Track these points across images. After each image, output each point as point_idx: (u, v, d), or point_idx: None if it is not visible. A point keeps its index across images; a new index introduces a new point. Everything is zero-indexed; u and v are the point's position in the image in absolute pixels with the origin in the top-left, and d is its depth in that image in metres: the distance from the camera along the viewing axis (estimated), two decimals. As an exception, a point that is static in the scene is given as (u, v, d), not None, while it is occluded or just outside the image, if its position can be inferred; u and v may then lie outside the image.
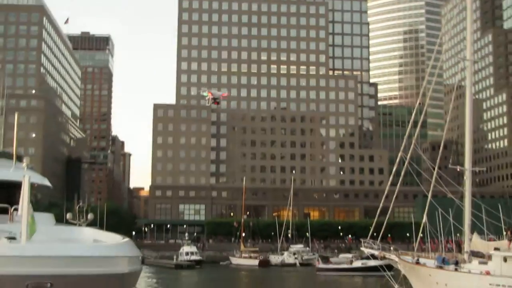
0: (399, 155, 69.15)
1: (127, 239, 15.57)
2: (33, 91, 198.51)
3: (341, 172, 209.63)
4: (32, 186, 19.26)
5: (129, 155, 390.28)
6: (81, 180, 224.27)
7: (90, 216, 61.97)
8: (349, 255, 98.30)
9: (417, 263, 62.04)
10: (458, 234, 70.27)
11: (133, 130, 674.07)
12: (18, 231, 14.10)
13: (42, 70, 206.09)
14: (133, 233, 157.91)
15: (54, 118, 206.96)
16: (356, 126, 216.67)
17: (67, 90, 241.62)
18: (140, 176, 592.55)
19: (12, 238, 14.16)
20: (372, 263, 68.92)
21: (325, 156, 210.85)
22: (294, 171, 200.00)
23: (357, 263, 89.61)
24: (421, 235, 71.03)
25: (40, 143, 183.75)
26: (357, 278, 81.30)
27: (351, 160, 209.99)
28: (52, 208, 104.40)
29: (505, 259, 51.33)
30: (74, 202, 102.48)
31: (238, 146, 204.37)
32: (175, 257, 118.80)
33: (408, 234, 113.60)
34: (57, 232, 18.87)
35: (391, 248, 73.51)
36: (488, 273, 51.42)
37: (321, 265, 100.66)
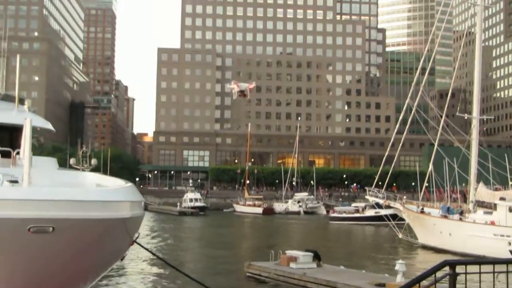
0: (406, 102, 69.13)
1: (130, 184, 15.67)
2: (36, 34, 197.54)
3: (347, 120, 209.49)
4: (35, 129, 19.31)
5: (133, 100, 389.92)
6: (84, 125, 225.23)
7: (94, 161, 62.47)
8: (362, 204, 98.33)
9: (422, 212, 62.61)
10: (463, 184, 70.51)
11: (137, 75, 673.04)
12: (21, 175, 14.16)
13: (45, 12, 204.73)
14: (137, 179, 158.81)
15: (57, 61, 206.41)
16: (363, 73, 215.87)
17: (70, 33, 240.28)
18: (144, 121, 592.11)
19: (14, 182, 14.23)
20: (384, 212, 69.23)
21: (331, 103, 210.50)
22: (299, 118, 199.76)
23: (370, 212, 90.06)
24: (427, 184, 71.28)
25: (43, 87, 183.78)
26: (369, 227, 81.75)
27: (357, 107, 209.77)
28: (55, 152, 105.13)
29: (510, 209, 51.62)
30: (78, 147, 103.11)
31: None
32: (178, 203, 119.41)
33: (413, 183, 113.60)
34: (59, 176, 18.96)
35: (396, 197, 74.06)
36: (493, 223, 51.83)
37: (334, 214, 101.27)
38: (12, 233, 12.30)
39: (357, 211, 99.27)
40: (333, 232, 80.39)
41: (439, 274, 8.11)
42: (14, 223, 12.10)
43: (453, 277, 7.85)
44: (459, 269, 8.21)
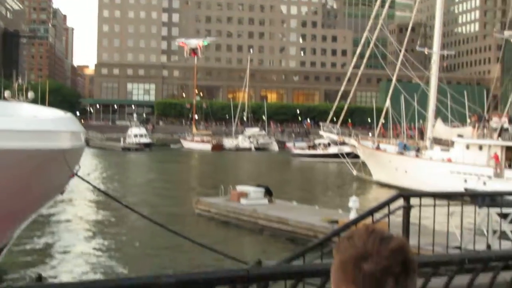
0: (365, 35, 69.25)
1: (69, 114, 15.46)
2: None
3: (302, 53, 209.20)
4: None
5: (72, 29, 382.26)
6: (19, 56, 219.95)
7: (31, 94, 61.35)
8: (323, 140, 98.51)
9: (377, 148, 63.60)
10: (421, 120, 71.58)
11: (76, 3, 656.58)
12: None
13: None
14: (77, 113, 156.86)
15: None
16: (320, 4, 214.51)
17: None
18: (85, 53, 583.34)
19: None
20: (347, 149, 69.69)
21: (285, 35, 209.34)
22: (251, 50, 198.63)
23: (334, 149, 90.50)
24: (383, 121, 72.26)
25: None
26: (332, 165, 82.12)
27: (313, 40, 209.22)
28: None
29: (467, 146, 52.77)
30: (13, 79, 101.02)
31: (191, 21, 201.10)
32: (122, 139, 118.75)
33: (369, 120, 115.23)
34: (-6, 108, 18.50)
35: (351, 133, 74.83)
36: (449, 160, 52.95)
37: (297, 151, 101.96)
38: None
39: (311, 147, 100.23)
40: (288, 169, 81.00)
41: (392, 207, 8.27)
42: None
43: (407, 209, 8.00)
44: (414, 202, 8.37)
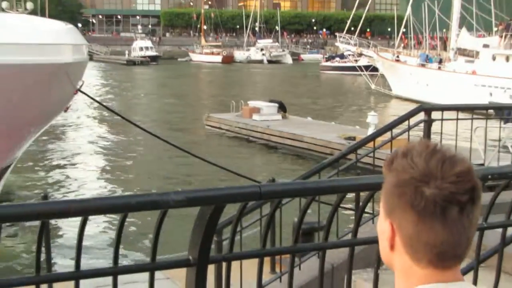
0: None
1: (70, 25, 15.35)
2: None
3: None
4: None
5: None
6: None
7: (30, 5, 60.71)
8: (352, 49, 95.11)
9: (397, 60, 63.09)
10: (444, 30, 70.71)
11: None
12: None
13: None
14: (79, 25, 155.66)
15: None
16: None
17: None
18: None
19: None
20: (364, 62, 68.82)
21: None
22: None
23: (363, 62, 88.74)
24: (404, 30, 71.43)
25: None
26: (351, 77, 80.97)
27: None
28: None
29: (494, 58, 52.23)
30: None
31: None
32: (127, 52, 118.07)
33: (389, 29, 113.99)
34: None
35: (370, 44, 74.19)
36: (474, 72, 52.46)
37: (326, 63, 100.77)
38: None
39: (328, 59, 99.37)
40: (302, 83, 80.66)
41: (413, 121, 8.29)
42: None
43: (428, 123, 8.01)
44: (435, 116, 8.38)
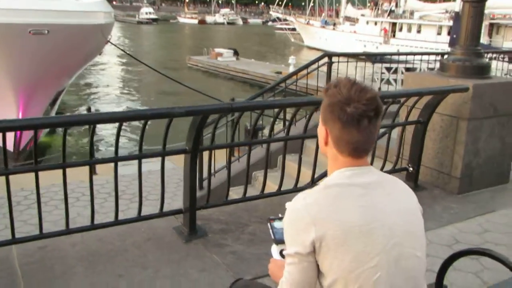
0: None
1: (101, -2, 14.73)
2: None
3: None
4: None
5: None
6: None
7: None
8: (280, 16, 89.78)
9: (308, 23, 62.43)
10: (337, 4, 69.88)
11: None
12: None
13: None
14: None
15: None
16: None
17: None
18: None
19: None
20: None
21: None
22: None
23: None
24: (312, 4, 70.30)
25: None
26: (279, 33, 77.77)
27: None
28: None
29: (367, 22, 52.18)
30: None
31: None
32: (137, 15, 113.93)
33: (303, 4, 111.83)
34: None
35: (291, 12, 73.09)
36: (355, 32, 52.42)
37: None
38: (17, 35, 11.56)
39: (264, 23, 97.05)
40: (249, 37, 79.15)
41: (320, 63, 8.25)
42: (18, 27, 11.32)
43: (330, 64, 8.00)
44: (334, 59, 8.32)
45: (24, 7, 11.51)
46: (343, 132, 1.56)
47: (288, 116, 7.26)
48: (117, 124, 3.26)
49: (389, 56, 11.66)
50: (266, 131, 9.06)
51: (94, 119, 3.31)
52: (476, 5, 4.93)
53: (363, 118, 1.53)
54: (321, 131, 1.65)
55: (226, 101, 10.58)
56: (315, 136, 4.49)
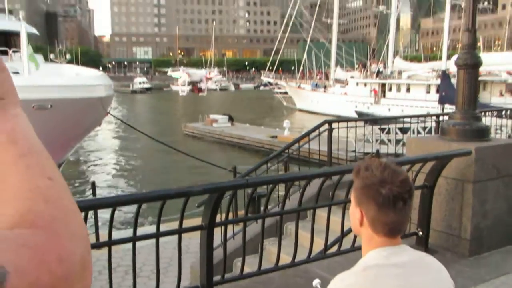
0: (289, 11, 68.25)
1: (101, 72, 15.11)
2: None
3: (248, 24, 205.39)
4: (25, 33, 17.91)
5: (93, 10, 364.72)
6: (58, 29, 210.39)
7: (68, 56, 58.95)
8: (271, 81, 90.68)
9: (299, 87, 63.64)
10: (326, 67, 71.61)
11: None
12: (19, 68, 13.30)
13: None
14: (100, 68, 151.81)
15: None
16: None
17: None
18: (103, 26, 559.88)
19: (16, 73, 13.37)
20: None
21: (236, 11, 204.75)
22: (214, 22, 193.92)
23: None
24: (302, 68, 71.94)
25: (24, 0, 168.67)
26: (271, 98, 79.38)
27: (254, 14, 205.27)
28: (38, 51, 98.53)
29: (357, 84, 53.23)
30: (55, 46, 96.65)
31: (173, 3, 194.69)
32: (131, 85, 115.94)
33: (293, 68, 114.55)
34: (48, 68, 17.90)
35: (281, 77, 74.63)
36: (346, 93, 53.35)
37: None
38: (20, 111, 11.72)
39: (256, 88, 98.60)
40: (242, 102, 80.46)
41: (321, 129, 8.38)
42: (23, 103, 11.46)
43: (330, 130, 8.14)
44: (334, 125, 8.47)
45: (28, 83, 11.78)
46: (379, 213, 1.62)
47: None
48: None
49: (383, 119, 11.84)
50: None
51: (114, 202, 3.36)
52: (471, 71, 5.15)
53: (398, 200, 1.58)
54: (355, 212, 1.70)
55: (228, 168, 10.62)
56: (326, 205, 4.55)
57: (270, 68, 71.22)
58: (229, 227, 5.84)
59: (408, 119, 11.25)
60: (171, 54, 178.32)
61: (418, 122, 9.96)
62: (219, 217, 4.01)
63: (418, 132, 10.73)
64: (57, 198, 0.63)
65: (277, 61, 69.36)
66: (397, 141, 12.60)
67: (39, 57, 21.31)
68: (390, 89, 48.13)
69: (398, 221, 1.63)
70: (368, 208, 1.63)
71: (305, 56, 68.97)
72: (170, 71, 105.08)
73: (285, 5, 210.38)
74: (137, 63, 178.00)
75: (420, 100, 41.86)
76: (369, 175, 1.62)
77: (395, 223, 1.63)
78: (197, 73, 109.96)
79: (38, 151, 0.70)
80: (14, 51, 17.92)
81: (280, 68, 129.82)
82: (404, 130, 12.70)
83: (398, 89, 46.88)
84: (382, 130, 14.63)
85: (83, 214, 3.46)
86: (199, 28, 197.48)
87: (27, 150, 0.68)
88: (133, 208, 3.37)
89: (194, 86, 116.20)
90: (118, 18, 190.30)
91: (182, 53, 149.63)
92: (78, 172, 24.57)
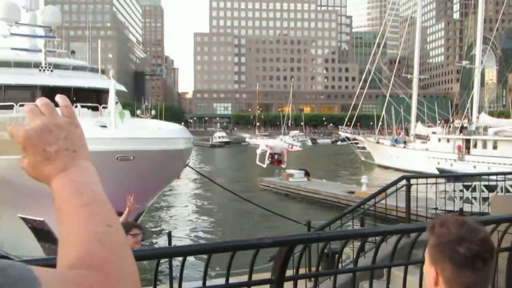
0: (367, 67, 68.22)
1: (182, 126, 15.71)
2: (108, 24, 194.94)
3: (326, 80, 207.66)
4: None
5: (178, 69, 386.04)
6: (145, 87, 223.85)
7: (153, 112, 62.25)
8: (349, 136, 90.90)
9: (378, 142, 62.60)
10: (406, 123, 70.19)
11: (180, 51, 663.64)
12: (107, 122, 14.15)
13: (114, 8, 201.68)
14: (182, 123, 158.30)
15: (124, 43, 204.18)
16: (337, 47, 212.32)
17: (132, 23, 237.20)
18: (186, 84, 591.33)
19: (103, 126, 14.24)
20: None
21: (314, 68, 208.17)
22: (292, 79, 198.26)
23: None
24: (381, 123, 71.01)
25: (115, 61, 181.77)
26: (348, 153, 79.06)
27: (332, 71, 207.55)
28: (126, 107, 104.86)
29: (439, 140, 51.57)
30: (141, 102, 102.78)
31: (253, 61, 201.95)
32: (210, 139, 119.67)
33: (372, 123, 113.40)
34: (133, 122, 18.94)
35: (360, 132, 73.85)
36: (427, 149, 51.78)
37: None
38: (105, 162, 12.40)
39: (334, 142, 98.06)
40: (319, 157, 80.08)
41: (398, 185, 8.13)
42: (107, 154, 12.17)
43: (408, 186, 7.87)
44: (412, 181, 8.21)
45: (114, 136, 12.50)
46: (456, 274, 1.50)
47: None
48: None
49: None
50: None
51: (187, 251, 3.39)
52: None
53: (478, 260, 1.47)
54: (430, 271, 1.59)
55: (302, 222, 10.48)
56: (402, 264, 4.32)
57: (348, 123, 70.85)
58: (301, 283, 5.71)
59: (493, 177, 10.61)
60: (249, 110, 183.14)
61: (505, 180, 9.37)
62: (290, 272, 3.92)
63: (507, 191, 10.09)
64: (113, 243, 0.71)
65: (355, 116, 69.08)
66: (484, 200, 11.89)
67: (127, 113, 22.68)
68: (475, 146, 46.07)
69: (477, 282, 1.49)
70: (444, 267, 1.52)
71: (384, 111, 68.06)
72: (247, 138, 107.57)
73: (363, 61, 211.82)
74: (217, 118, 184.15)
75: (508, 158, 39.62)
76: (444, 232, 1.52)
77: (474, 285, 1.49)
78: (278, 146, 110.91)
79: (101, 201, 0.79)
80: (103, 107, 19.15)
81: (358, 124, 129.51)
82: (490, 188, 11.98)
83: (484, 146, 44.76)
84: (466, 187, 13.94)
85: (155, 261, 3.52)
86: (277, 85, 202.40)
87: (92, 199, 0.78)
88: (201, 257, 3.38)
89: (274, 159, 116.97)
90: (200, 76, 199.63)
91: (261, 109, 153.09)
92: (156, 220, 25.24)
